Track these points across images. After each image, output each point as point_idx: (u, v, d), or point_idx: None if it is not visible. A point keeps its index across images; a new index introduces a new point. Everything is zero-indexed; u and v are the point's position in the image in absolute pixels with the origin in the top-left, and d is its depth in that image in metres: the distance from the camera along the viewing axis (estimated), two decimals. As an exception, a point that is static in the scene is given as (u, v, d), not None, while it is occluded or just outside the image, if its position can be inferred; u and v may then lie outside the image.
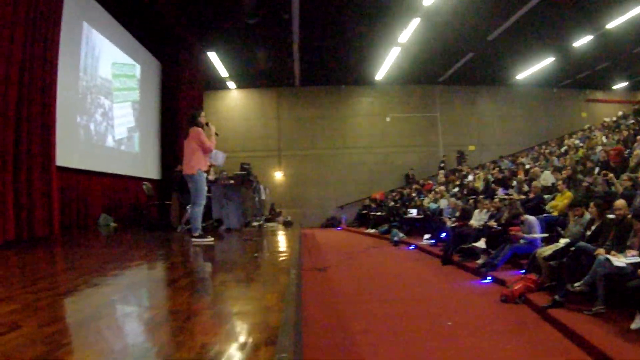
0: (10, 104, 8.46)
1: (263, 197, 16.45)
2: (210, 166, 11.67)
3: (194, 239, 8.39)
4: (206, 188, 8.80)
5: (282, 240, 8.84)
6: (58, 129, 10.58)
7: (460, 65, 24.68)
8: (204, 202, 8.65)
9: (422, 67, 24.91)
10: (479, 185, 18.27)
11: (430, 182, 25.11)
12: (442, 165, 27.14)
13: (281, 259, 5.90)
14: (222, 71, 24.46)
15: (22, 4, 8.75)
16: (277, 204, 25.01)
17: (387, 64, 23.83)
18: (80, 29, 13.02)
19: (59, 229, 10.07)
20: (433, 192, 20.19)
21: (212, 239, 8.47)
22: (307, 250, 15.05)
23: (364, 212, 25.29)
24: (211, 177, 13.11)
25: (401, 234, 17.19)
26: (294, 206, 26.66)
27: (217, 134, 8.97)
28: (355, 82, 27.81)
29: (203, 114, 8.91)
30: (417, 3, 16.32)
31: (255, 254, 6.61)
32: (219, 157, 9.94)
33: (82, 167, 13.03)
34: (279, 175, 28.02)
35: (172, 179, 13.79)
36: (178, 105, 19.51)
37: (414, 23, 18.05)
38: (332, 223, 27.36)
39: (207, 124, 8.86)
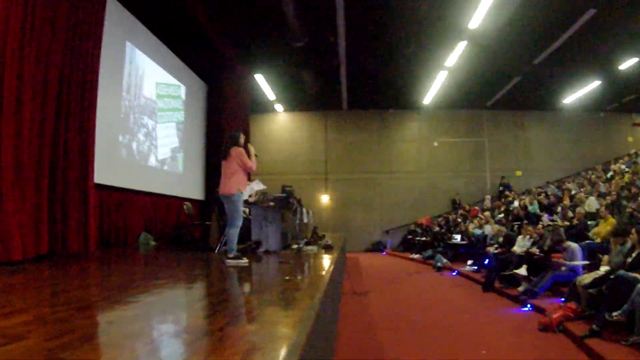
0: (48, 120, 8.57)
1: (305, 220, 16.36)
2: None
3: (228, 260, 8.28)
4: (242, 209, 8.69)
5: (317, 264, 8.68)
6: (99, 147, 10.69)
7: (507, 90, 24.29)
8: (240, 223, 8.53)
9: (469, 92, 24.65)
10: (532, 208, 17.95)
11: (476, 207, 24.75)
12: (501, 189, 26.61)
13: (311, 283, 5.78)
14: (270, 94, 24.57)
15: (61, 24, 8.87)
16: (322, 227, 24.85)
17: (434, 88, 23.63)
18: (123, 49, 13.21)
19: (95, 245, 10.14)
20: (478, 218, 19.89)
21: (247, 260, 8.36)
22: (349, 275, 14.98)
23: (409, 237, 25.04)
24: (251, 199, 13.09)
25: (444, 260, 16.99)
26: (340, 230, 26.35)
27: (256, 155, 8.91)
28: (402, 106, 27.69)
29: (243, 135, 8.83)
30: (463, 26, 16.15)
31: (287, 277, 6.48)
32: (254, 187, 9.86)
33: (123, 185, 13.14)
34: (325, 199, 27.98)
35: (214, 199, 13.80)
36: (223, 127, 19.58)
37: (461, 46, 17.89)
38: (377, 247, 27.15)
39: (246, 144, 8.82)
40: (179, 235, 15.13)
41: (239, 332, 3.39)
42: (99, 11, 10.36)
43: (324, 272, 6.71)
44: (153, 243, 14.03)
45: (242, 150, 8.54)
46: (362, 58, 19.94)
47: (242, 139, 8.72)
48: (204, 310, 4.20)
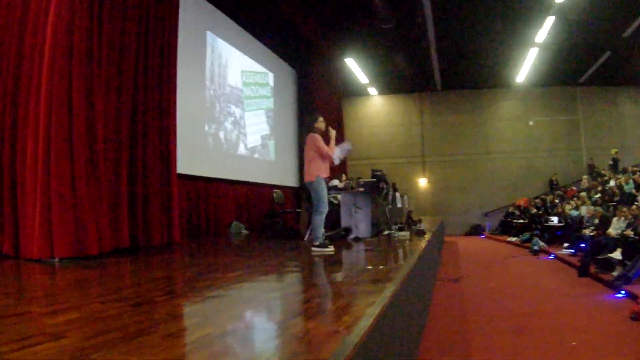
0: (124, 113, 8.52)
1: (399, 204, 16.01)
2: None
3: (313, 248, 8.07)
4: (326, 195, 8.39)
5: (405, 252, 8.33)
6: (183, 137, 10.66)
7: (598, 65, 23.07)
8: (325, 210, 8.25)
9: (561, 68, 23.69)
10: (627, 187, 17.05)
11: (574, 187, 23.75)
12: (590, 168, 25.48)
13: (393, 272, 5.43)
14: (362, 77, 24.32)
15: (132, 15, 8.81)
16: (420, 211, 24.57)
17: (526, 65, 22.85)
18: (203, 39, 13.19)
19: (181, 236, 10.09)
20: (575, 199, 19.03)
21: (332, 248, 8.08)
22: (445, 259, 14.63)
23: (507, 219, 24.33)
24: (340, 184, 12.85)
25: (541, 243, 16.32)
26: (439, 213, 26.08)
27: (337, 138, 8.63)
28: (495, 85, 26.91)
29: (321, 118, 8.53)
30: (551, 0, 15.43)
31: (370, 266, 6.17)
32: (344, 149, 9.43)
33: (211, 175, 13.14)
34: (423, 182, 27.59)
35: (303, 187, 13.66)
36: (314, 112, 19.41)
37: (549, 21, 17.15)
38: (476, 231, 26.65)
39: (326, 128, 8.55)
40: (270, 223, 15.04)
41: (282, 330, 3.10)
42: (172, 1, 10.25)
43: (405, 262, 6.36)
44: (245, 232, 14.01)
45: (316, 136, 8.28)
46: (451, 37, 19.56)
47: (320, 124, 8.46)
48: (260, 307, 3.93)
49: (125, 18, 8.59)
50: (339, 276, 5.76)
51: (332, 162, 8.56)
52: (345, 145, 9.14)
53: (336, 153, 8.74)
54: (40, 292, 4.91)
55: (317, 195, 8.24)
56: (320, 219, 8.23)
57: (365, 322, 3.08)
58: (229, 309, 3.95)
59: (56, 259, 6.86)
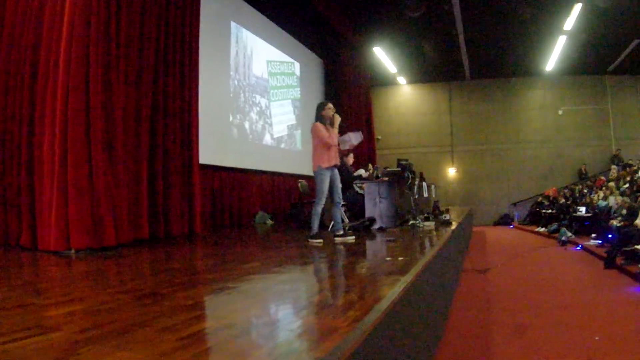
0: (144, 102, 8.51)
1: (426, 194, 15.88)
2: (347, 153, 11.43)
3: (335, 238, 8.12)
4: (326, 187, 8.26)
5: (427, 243, 8.17)
6: (207, 127, 10.68)
7: (627, 54, 22.50)
8: (321, 201, 8.15)
9: (590, 56, 23.04)
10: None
11: (602, 177, 23.34)
12: (616, 159, 25.02)
13: (410, 265, 5.30)
14: (391, 67, 24.12)
15: (152, 3, 8.77)
16: (449, 201, 24.43)
17: (555, 53, 22.41)
18: (227, 28, 13.14)
19: (203, 227, 10.06)
20: (603, 189, 18.69)
21: (354, 237, 8.18)
22: (473, 250, 14.48)
23: (536, 209, 24.02)
24: (365, 174, 12.74)
25: (569, 234, 16.05)
26: (468, 203, 25.93)
27: (342, 125, 8.49)
28: (525, 73, 26.37)
29: (329, 105, 8.37)
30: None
31: (388, 258, 6.05)
32: (351, 139, 9.33)
33: (236, 165, 13.10)
34: (452, 172, 27.35)
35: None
36: (343, 102, 19.33)
37: (577, 8, 16.78)
38: (504, 221, 26.34)
39: (333, 116, 8.37)
40: (295, 213, 14.99)
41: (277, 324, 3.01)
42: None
43: (424, 254, 6.23)
44: (270, 222, 13.99)
45: (317, 125, 8.19)
46: (479, 25, 19.28)
47: (328, 111, 8.30)
48: (266, 300, 3.86)
49: (145, 8, 8.55)
50: (355, 268, 5.65)
51: (339, 148, 8.48)
52: (355, 135, 9.08)
53: (352, 140, 8.66)
54: (49, 284, 4.89)
55: (316, 185, 8.23)
56: (315, 210, 8.19)
57: (371, 318, 2.97)
58: (233, 302, 3.87)
59: (72, 251, 6.87)
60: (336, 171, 8.37)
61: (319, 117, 8.25)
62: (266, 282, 4.78)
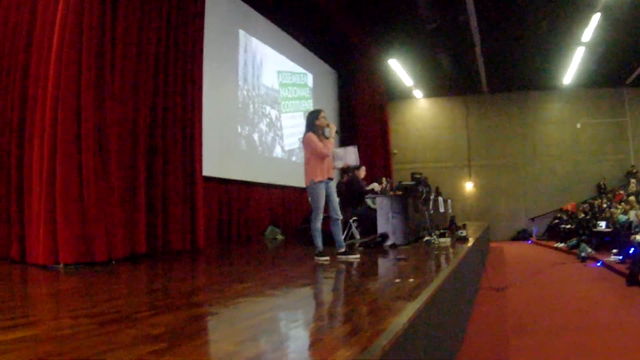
0: (142, 112, 8.18)
1: (442, 209, 15.49)
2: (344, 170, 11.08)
3: (338, 257, 7.65)
4: (322, 201, 7.75)
5: (441, 263, 7.69)
6: (213, 139, 10.40)
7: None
8: (317, 217, 7.61)
9: (608, 69, 22.85)
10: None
11: (622, 192, 22.85)
12: (633, 173, 24.56)
13: (420, 288, 4.83)
14: (407, 80, 23.82)
15: (152, 8, 8.45)
16: (467, 216, 24.08)
17: (572, 66, 22.18)
18: (235, 37, 12.80)
19: (204, 242, 9.67)
20: (622, 203, 18.21)
21: (358, 255, 7.76)
22: (490, 267, 14.06)
23: (555, 224, 23.64)
24: (377, 188, 12.33)
25: (589, 249, 15.61)
26: (485, 218, 25.53)
27: (337, 132, 7.98)
28: (542, 87, 26.19)
29: (323, 114, 7.79)
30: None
31: (397, 280, 5.58)
32: (349, 155, 8.79)
33: (244, 178, 12.76)
34: (469, 187, 27.05)
35: (340, 191, 13.19)
36: (357, 114, 19.02)
37: (595, 19, 16.45)
38: (522, 236, 26.09)
39: (327, 126, 7.82)
40: (306, 228, 14.62)
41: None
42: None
43: (437, 275, 5.74)
44: (280, 237, 13.62)
45: (310, 135, 7.61)
46: (496, 38, 19.11)
47: (322, 120, 7.71)
48: (248, 330, 3.35)
49: (144, 13, 8.21)
50: (358, 291, 5.17)
51: (332, 162, 7.98)
52: (349, 152, 8.58)
53: (351, 157, 8.22)
54: (14, 302, 4.52)
55: (311, 201, 7.69)
56: (314, 227, 7.65)
57: (366, 357, 2.51)
58: (209, 331, 3.43)
59: (61, 265, 6.52)
60: (331, 184, 7.84)
61: (312, 126, 7.69)
62: (256, 306, 4.32)
